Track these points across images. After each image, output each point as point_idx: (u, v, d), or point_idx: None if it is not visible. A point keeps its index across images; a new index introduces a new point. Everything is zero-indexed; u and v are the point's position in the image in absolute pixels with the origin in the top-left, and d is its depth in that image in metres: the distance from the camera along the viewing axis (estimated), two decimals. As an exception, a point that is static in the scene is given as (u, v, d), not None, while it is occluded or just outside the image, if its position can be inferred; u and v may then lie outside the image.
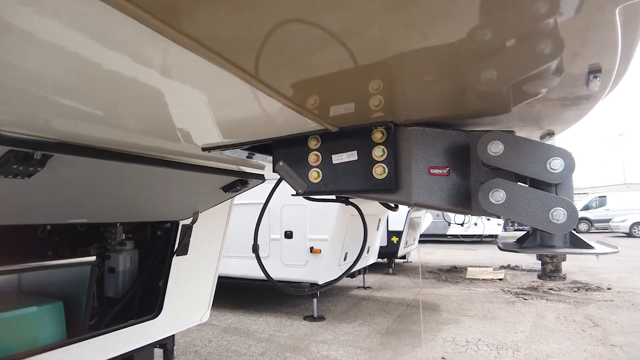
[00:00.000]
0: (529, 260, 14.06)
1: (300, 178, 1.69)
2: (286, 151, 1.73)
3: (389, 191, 1.56)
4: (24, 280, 3.46)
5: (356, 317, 6.79)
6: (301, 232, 6.68)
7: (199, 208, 3.36)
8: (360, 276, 9.28)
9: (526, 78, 1.20)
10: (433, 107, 1.51)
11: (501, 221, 20.96)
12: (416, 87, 1.33)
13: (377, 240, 9.63)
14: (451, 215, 19.75)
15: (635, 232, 22.06)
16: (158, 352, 3.83)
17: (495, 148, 1.44)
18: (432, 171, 1.59)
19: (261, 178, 3.04)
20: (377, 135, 1.58)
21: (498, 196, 1.42)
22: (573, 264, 13.03)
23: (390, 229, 10.90)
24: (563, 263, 13.38)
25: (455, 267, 12.67)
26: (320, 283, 6.62)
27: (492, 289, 9.08)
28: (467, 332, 5.94)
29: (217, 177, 2.65)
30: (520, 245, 1.59)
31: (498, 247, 1.62)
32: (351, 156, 1.62)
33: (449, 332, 5.94)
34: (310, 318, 6.70)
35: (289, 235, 6.76)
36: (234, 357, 4.97)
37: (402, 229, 11.21)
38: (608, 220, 25.41)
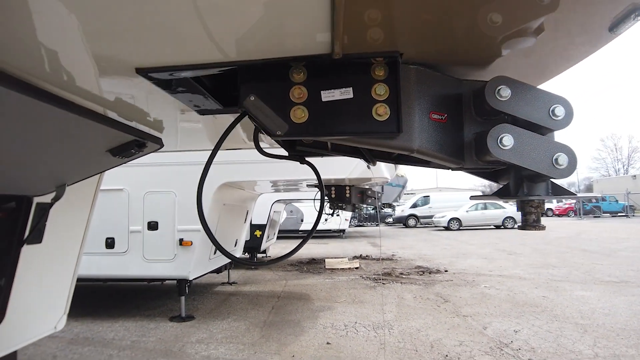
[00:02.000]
0: (375, 250, 15.36)
1: (279, 117, 1.32)
2: (259, 82, 1.34)
3: (391, 134, 1.32)
4: None
5: (229, 313, 6.33)
6: (169, 222, 5.92)
7: (67, 179, 2.58)
8: (225, 272, 8.78)
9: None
10: (440, 42, 1.33)
11: (348, 216, 22.55)
12: (430, 10, 1.13)
13: (244, 233, 9.26)
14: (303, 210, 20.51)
15: (451, 225, 26.12)
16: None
17: (504, 92, 1.35)
18: (433, 116, 1.41)
19: (159, 143, 2.47)
20: (379, 72, 1.33)
21: (507, 141, 1.33)
22: (412, 252, 14.67)
23: (253, 223, 10.55)
24: (404, 251, 14.98)
25: (313, 259, 13.03)
26: (191, 278, 5.98)
27: (352, 277, 9.55)
28: (343, 317, 6.05)
29: (108, 132, 2.02)
30: (513, 194, 1.52)
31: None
32: (345, 93, 1.33)
33: (326, 319, 5.96)
34: (177, 319, 5.99)
35: (153, 226, 5.93)
36: (91, 371, 4.09)
37: (265, 223, 11.03)
38: (431, 217, 29.49)
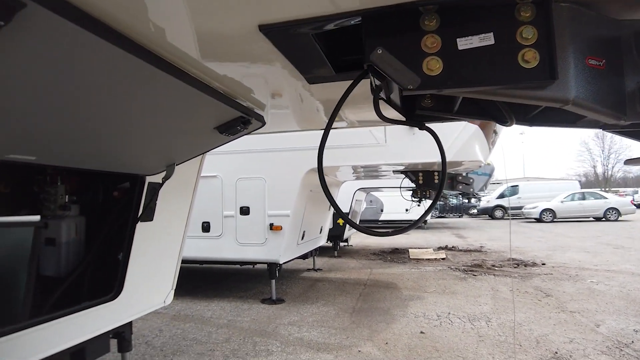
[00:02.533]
0: (461, 242, 14.68)
1: (410, 70, 1.19)
2: (386, 34, 1.23)
3: (543, 82, 1.13)
4: None
5: (317, 298, 6.37)
6: (259, 207, 6.08)
7: (176, 158, 2.68)
8: (311, 259, 8.89)
9: None
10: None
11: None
12: None
13: (328, 220, 9.30)
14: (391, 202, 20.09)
15: (544, 217, 24.15)
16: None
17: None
18: (590, 62, 1.19)
19: (262, 121, 2.46)
20: (525, 12, 1.14)
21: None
22: (502, 244, 13.80)
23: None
24: (493, 243, 14.15)
25: (396, 249, 12.78)
26: (281, 262, 6.10)
27: (439, 268, 9.18)
28: (434, 307, 5.80)
29: (218, 108, 2.02)
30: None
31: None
32: (485, 40, 1.16)
33: (417, 308, 5.76)
34: (268, 301, 6.15)
35: (245, 211, 6.13)
36: (195, 345, 4.31)
37: (348, 211, 10.98)
38: (520, 208, 27.55)
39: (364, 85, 1.55)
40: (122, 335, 3.14)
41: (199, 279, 8.08)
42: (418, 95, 1.62)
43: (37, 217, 2.18)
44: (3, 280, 2.26)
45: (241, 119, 2.25)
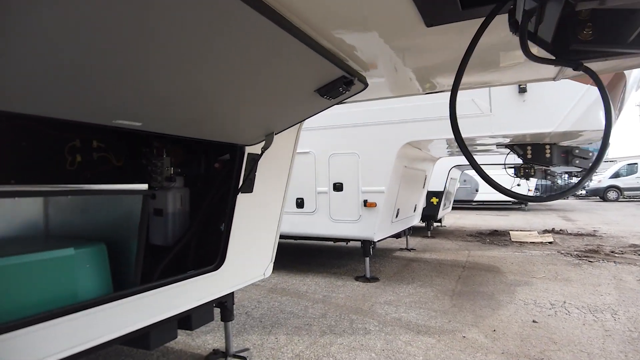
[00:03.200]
0: (569, 225, 13.28)
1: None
2: None
3: None
4: (52, 217, 2.76)
5: (412, 279, 6.11)
6: (353, 183, 5.92)
7: (276, 126, 2.58)
8: (403, 238, 8.60)
9: None
10: None
11: (532, 186, 20.02)
12: None
13: (422, 199, 8.89)
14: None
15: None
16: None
17: None
18: None
19: (365, 82, 2.24)
20: None
21: None
22: (620, 229, 12.24)
23: (429, 189, 9.91)
24: (609, 227, 12.59)
25: (495, 230, 11.92)
26: (375, 240, 5.92)
27: (547, 252, 8.34)
28: (547, 295, 5.23)
29: (320, 66, 1.84)
30: None
31: None
32: None
33: (525, 294, 5.24)
34: (362, 279, 6.03)
35: (338, 187, 6.01)
36: (292, 319, 4.33)
37: (442, 190, 10.42)
38: (639, 189, 24.26)
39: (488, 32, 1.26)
40: (225, 304, 3.20)
41: (293, 254, 8.23)
42: (573, 27, 1.27)
43: (144, 186, 2.22)
44: (117, 247, 2.35)
45: (343, 80, 2.05)
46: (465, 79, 2.54)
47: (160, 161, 3.03)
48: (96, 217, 2.56)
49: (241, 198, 2.90)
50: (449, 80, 2.49)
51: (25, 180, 2.73)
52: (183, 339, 3.73)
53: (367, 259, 6.04)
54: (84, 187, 2.01)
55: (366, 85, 2.26)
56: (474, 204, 21.15)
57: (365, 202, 5.80)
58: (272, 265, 3.47)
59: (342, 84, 2.07)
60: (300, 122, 2.79)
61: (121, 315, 2.19)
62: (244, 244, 3.03)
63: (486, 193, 19.42)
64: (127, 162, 3.29)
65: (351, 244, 7.60)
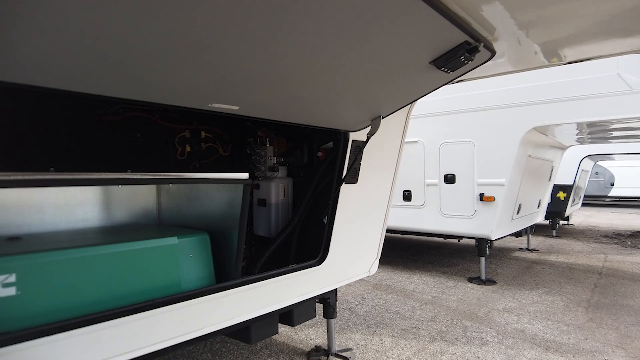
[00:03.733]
0: None
1: None
2: None
3: None
4: (164, 205, 2.84)
5: (536, 284, 5.37)
6: (467, 175, 5.37)
7: (383, 109, 2.31)
8: (524, 237, 7.69)
9: None
10: None
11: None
12: None
13: (548, 193, 7.88)
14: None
15: None
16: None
17: None
18: None
19: (491, 50, 1.85)
20: None
21: None
22: None
23: (555, 182, 8.68)
24: None
25: (638, 232, 10.18)
26: (493, 238, 5.32)
27: None
28: None
29: (436, 28, 1.51)
30: None
31: None
32: None
33: (690, 313, 4.25)
34: (477, 280, 5.47)
35: (450, 179, 5.51)
36: (398, 320, 4.03)
37: (572, 183, 9.13)
38: None
39: None
40: (327, 301, 3.04)
41: (400, 249, 7.87)
42: None
43: (244, 175, 2.11)
44: (220, 238, 2.30)
45: (465, 47, 1.70)
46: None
47: (263, 150, 2.96)
48: (202, 206, 2.56)
49: (345, 189, 2.69)
50: (580, 50, 2.00)
51: (139, 169, 2.85)
52: (286, 331, 3.67)
53: (483, 259, 5.46)
54: (184, 176, 1.96)
55: (493, 53, 1.88)
56: (607, 200, 18.50)
57: (481, 195, 5.22)
58: (378, 262, 3.21)
59: (465, 51, 1.72)
60: (412, 103, 2.47)
61: (223, 307, 2.13)
62: (347, 238, 2.82)
63: (624, 188, 16.86)
64: (233, 152, 3.29)
65: (463, 241, 6.99)
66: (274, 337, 3.50)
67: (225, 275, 2.25)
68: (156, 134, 2.91)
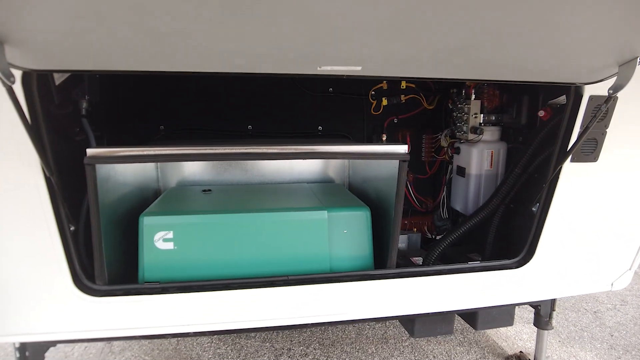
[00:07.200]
0: None
1: None
2: None
3: None
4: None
5: None
6: None
7: (638, 45, 1.32)
8: None
9: None
10: None
11: None
12: None
13: None
14: None
15: None
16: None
17: None
18: None
19: None
20: None
21: None
22: None
23: None
24: None
25: None
26: None
27: None
28: None
29: None
30: None
31: None
32: None
33: None
34: None
35: None
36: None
37: None
38: None
39: None
40: (538, 308, 2.28)
41: None
42: None
43: (403, 148, 1.64)
44: (380, 215, 1.95)
45: None
46: None
47: (466, 105, 2.32)
48: (368, 178, 2.25)
49: (574, 168, 1.82)
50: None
51: (331, 127, 2.72)
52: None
53: None
54: (333, 150, 1.65)
55: None
56: None
57: None
58: (632, 275, 2.18)
59: None
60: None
61: (380, 295, 1.84)
62: (572, 237, 1.96)
63: None
64: (441, 105, 2.75)
65: None
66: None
67: (378, 259, 1.91)
68: (350, 87, 2.67)
